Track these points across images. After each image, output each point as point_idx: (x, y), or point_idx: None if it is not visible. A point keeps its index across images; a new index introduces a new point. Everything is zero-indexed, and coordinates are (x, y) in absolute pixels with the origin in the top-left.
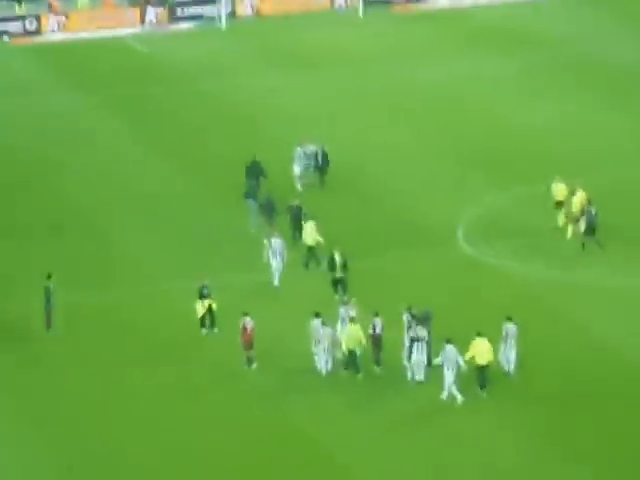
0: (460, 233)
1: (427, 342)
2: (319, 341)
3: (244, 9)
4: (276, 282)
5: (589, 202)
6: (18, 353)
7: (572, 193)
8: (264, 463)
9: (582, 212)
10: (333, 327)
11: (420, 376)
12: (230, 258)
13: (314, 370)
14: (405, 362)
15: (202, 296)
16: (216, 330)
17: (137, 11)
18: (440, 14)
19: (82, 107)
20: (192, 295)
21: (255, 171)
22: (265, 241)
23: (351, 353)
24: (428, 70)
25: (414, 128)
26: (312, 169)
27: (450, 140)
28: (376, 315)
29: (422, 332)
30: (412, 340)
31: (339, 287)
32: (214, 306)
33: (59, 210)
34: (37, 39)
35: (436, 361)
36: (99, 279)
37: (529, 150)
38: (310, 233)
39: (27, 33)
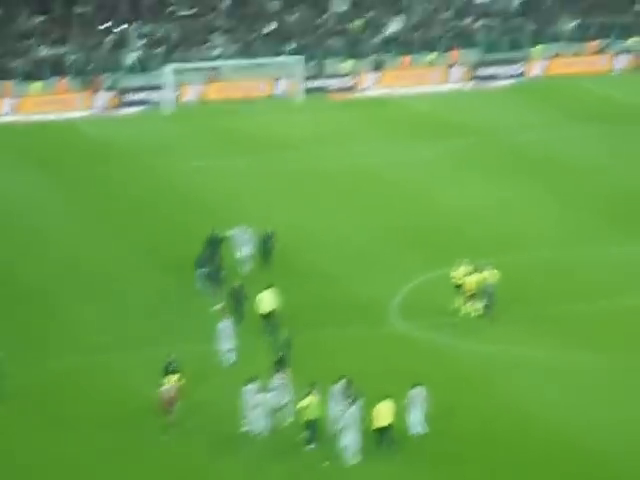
0: (393, 309)
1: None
2: (254, 407)
3: (189, 95)
4: (227, 364)
5: (486, 280)
6: None
7: (474, 272)
8: None
9: (479, 290)
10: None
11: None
12: (169, 329)
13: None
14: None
15: (168, 372)
16: (179, 403)
17: (87, 96)
18: (374, 102)
19: (32, 186)
20: (130, 366)
21: (213, 243)
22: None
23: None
24: (362, 154)
25: (348, 209)
26: (251, 252)
27: (383, 221)
28: (311, 384)
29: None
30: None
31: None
32: (181, 381)
33: (6, 285)
34: None
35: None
36: (40, 350)
37: (457, 230)
38: (267, 302)
39: None
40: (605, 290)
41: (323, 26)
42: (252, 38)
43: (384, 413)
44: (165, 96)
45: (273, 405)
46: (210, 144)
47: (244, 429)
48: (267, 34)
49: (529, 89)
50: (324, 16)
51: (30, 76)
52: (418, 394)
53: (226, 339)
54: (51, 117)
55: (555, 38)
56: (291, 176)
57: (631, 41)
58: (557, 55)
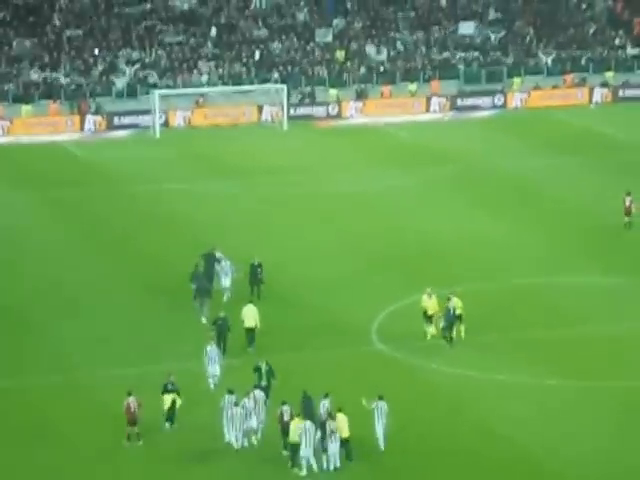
0: (371, 333)
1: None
2: (230, 417)
3: (176, 120)
4: (212, 387)
5: (448, 299)
6: None
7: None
8: None
9: (437, 314)
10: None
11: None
12: (152, 348)
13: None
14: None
15: (166, 390)
16: (175, 425)
17: (77, 119)
18: (356, 130)
19: (20, 205)
20: (113, 384)
21: (208, 260)
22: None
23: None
24: (344, 181)
25: (330, 235)
26: (230, 283)
27: (364, 246)
28: (284, 403)
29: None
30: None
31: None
32: (178, 402)
33: None
34: None
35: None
36: (17, 367)
37: (437, 257)
38: (251, 316)
39: None
40: (577, 318)
41: (308, 55)
42: (238, 65)
43: (341, 426)
44: (153, 121)
45: (241, 420)
46: (196, 168)
47: (225, 441)
48: (253, 62)
49: (508, 120)
50: (309, 46)
51: (21, 99)
52: (381, 407)
53: (212, 364)
54: (41, 139)
55: (534, 71)
56: (275, 202)
57: (608, 75)
58: (536, 87)
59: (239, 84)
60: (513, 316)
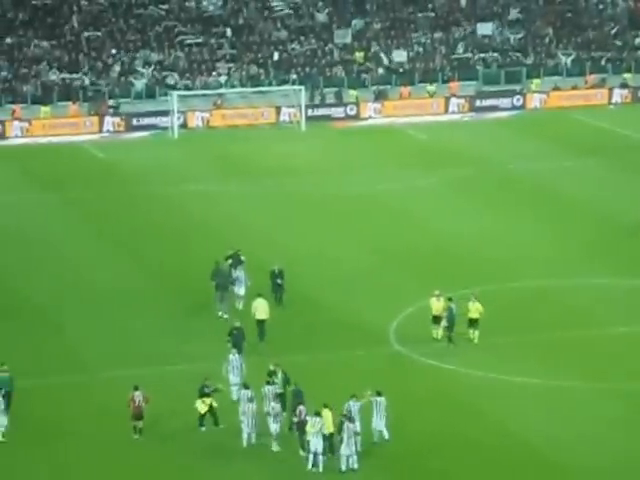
0: (389, 334)
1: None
2: (243, 412)
3: (195, 121)
4: (234, 397)
5: (450, 300)
6: None
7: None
8: None
9: (441, 315)
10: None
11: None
12: (171, 349)
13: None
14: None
15: (203, 394)
16: (221, 426)
17: (96, 120)
18: (375, 131)
19: (41, 206)
20: (128, 385)
21: (234, 261)
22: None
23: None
24: (362, 182)
25: (348, 235)
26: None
27: (381, 247)
28: (300, 403)
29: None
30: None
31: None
32: (215, 404)
33: (10, 302)
34: (1, 143)
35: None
36: (45, 366)
37: (453, 258)
38: (262, 309)
39: None
40: (593, 319)
41: (326, 56)
42: (256, 67)
43: (328, 423)
44: (171, 122)
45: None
46: (214, 169)
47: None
48: (272, 63)
49: (527, 121)
50: (328, 47)
51: (39, 100)
52: (380, 402)
53: (235, 373)
54: (60, 140)
55: (553, 72)
56: (292, 202)
57: (627, 76)
58: (555, 88)
59: (257, 85)
60: (530, 317)
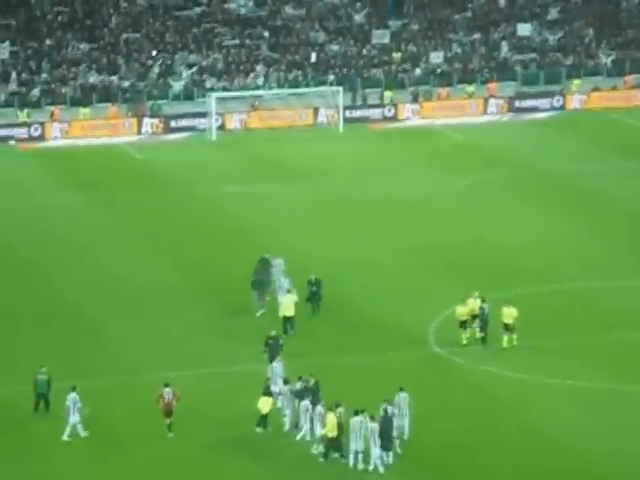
0: (428, 335)
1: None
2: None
3: (233, 123)
4: (279, 404)
5: (483, 301)
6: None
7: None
8: None
9: (476, 313)
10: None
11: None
12: (208, 351)
13: None
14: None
15: (266, 394)
16: (269, 429)
17: (135, 122)
18: (412, 132)
19: (80, 208)
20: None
21: (264, 266)
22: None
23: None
24: (400, 183)
25: (385, 238)
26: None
27: (419, 249)
28: (338, 405)
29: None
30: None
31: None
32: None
33: (50, 302)
34: (41, 144)
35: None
36: (84, 367)
37: (491, 260)
38: (290, 305)
39: (32, 139)
40: (634, 321)
41: (364, 57)
42: (294, 68)
43: (331, 425)
44: (209, 123)
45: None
46: (252, 171)
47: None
48: (309, 64)
49: (567, 122)
50: (365, 47)
51: (79, 102)
52: (403, 398)
53: (276, 382)
54: (99, 142)
55: (593, 72)
56: (330, 204)
57: None
58: (595, 89)
59: (295, 87)
60: (570, 320)
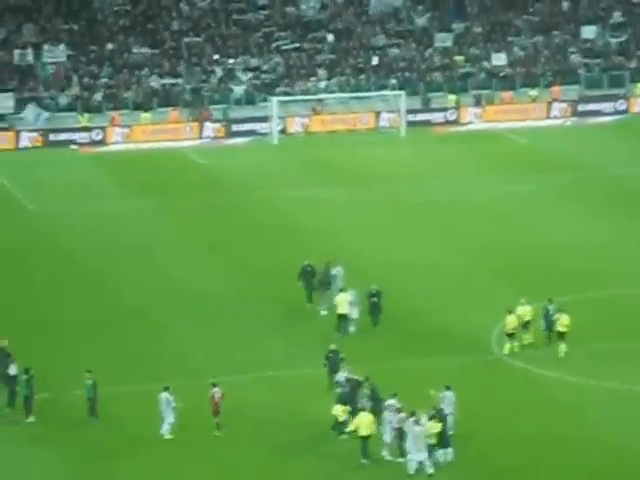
0: (489, 339)
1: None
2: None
3: (294, 127)
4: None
5: (549, 301)
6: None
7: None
8: None
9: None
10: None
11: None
12: (271, 354)
13: None
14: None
15: (342, 401)
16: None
17: (196, 126)
18: (475, 136)
19: (142, 212)
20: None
21: (305, 275)
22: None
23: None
24: (462, 187)
25: (447, 242)
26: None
27: (481, 253)
28: (399, 411)
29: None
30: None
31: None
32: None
33: (112, 306)
34: (102, 149)
35: None
36: (146, 371)
37: (553, 264)
38: (344, 303)
39: (93, 143)
40: None
41: (426, 60)
42: (356, 71)
43: (365, 424)
44: (271, 128)
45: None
46: (314, 175)
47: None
48: (371, 68)
49: (631, 126)
50: (427, 51)
51: (140, 106)
52: (449, 397)
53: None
54: (160, 146)
55: None
56: (392, 208)
57: None
58: None
59: (357, 90)
60: (631, 324)
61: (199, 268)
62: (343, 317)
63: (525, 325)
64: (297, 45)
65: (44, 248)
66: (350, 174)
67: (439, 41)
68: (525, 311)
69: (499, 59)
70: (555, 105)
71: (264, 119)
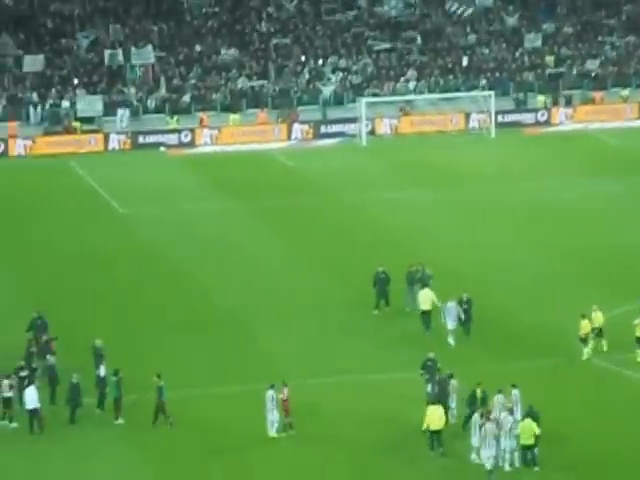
0: (578, 342)
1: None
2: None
3: (383, 128)
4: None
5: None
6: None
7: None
8: None
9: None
10: None
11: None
12: (359, 357)
13: None
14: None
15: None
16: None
17: (284, 128)
18: (566, 137)
19: (231, 214)
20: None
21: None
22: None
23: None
24: (552, 188)
25: (537, 243)
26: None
27: (572, 254)
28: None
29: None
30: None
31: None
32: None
33: (201, 308)
34: (190, 150)
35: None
36: (234, 373)
37: None
38: (427, 299)
39: (182, 145)
40: None
41: (516, 61)
42: (445, 72)
43: (436, 418)
44: (359, 129)
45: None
46: (403, 177)
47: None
48: (460, 68)
49: None
50: (518, 51)
51: (228, 108)
52: (515, 395)
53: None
54: (249, 148)
55: None
56: (482, 209)
57: None
58: None
59: (446, 91)
60: None
61: (288, 269)
62: (427, 313)
63: (598, 332)
64: (386, 46)
65: (134, 250)
66: (439, 175)
67: (529, 41)
68: (596, 317)
69: (590, 59)
70: None
71: (353, 120)
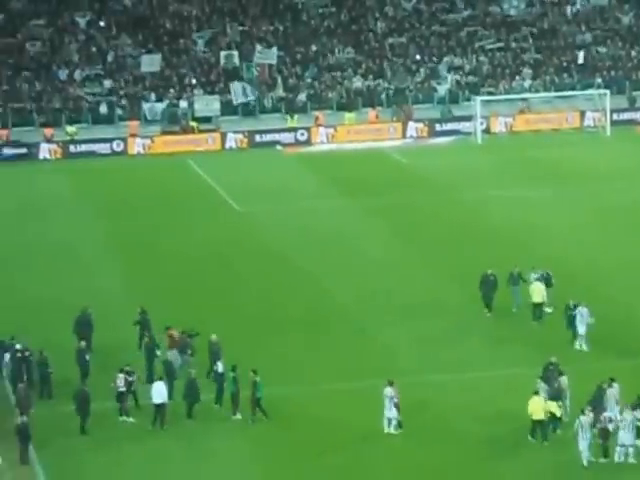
0: None
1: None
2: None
3: (498, 126)
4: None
5: None
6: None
7: None
8: None
9: None
10: None
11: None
12: (473, 354)
13: None
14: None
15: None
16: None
17: (399, 126)
18: None
19: (348, 213)
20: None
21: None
22: None
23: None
24: None
25: None
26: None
27: None
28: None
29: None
30: None
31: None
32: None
33: (320, 306)
34: (305, 149)
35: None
36: (351, 370)
37: None
38: (538, 292)
39: (298, 143)
40: None
41: (632, 59)
42: (560, 71)
43: (535, 408)
44: (474, 127)
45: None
46: (519, 175)
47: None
48: (575, 67)
49: None
50: (634, 49)
51: (344, 107)
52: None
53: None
54: (364, 146)
55: None
56: (598, 208)
57: None
58: None
59: (561, 90)
60: None
61: (404, 269)
62: (538, 306)
63: None
64: (501, 44)
65: (253, 248)
66: (555, 174)
67: None
68: None
69: None
70: None
71: (468, 118)
